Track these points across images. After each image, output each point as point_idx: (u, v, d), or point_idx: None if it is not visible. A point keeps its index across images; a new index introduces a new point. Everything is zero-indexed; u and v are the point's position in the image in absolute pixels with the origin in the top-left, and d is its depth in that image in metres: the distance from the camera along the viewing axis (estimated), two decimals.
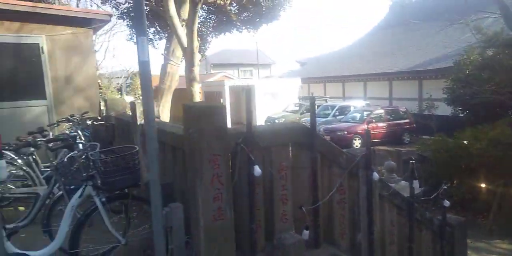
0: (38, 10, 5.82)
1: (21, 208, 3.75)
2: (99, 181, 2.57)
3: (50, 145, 2.94)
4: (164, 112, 9.41)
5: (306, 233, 2.63)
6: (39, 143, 3.25)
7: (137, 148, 2.67)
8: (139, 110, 4.03)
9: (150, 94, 2.41)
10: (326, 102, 18.25)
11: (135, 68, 27.87)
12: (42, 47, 5.89)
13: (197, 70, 8.01)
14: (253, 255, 2.54)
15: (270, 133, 2.76)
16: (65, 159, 2.67)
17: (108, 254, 2.76)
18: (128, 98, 13.62)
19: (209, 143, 2.38)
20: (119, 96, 18.86)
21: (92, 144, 2.80)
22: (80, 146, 3.01)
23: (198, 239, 2.43)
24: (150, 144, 2.38)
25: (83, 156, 2.59)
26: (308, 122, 2.94)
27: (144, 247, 2.80)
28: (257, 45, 32.39)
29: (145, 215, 3.31)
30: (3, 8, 5.34)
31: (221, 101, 17.29)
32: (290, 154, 2.78)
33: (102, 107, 6.67)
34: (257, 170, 2.48)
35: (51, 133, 4.03)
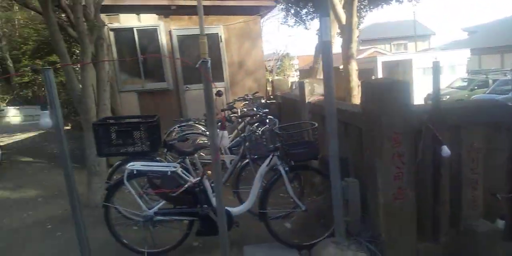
0: (216, 3, 6.69)
1: (209, 172, 4.51)
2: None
3: (240, 119, 3.42)
4: (319, 90, 9.51)
5: (501, 222, 2.36)
6: (232, 118, 3.84)
7: (316, 125, 2.84)
8: (307, 89, 4.26)
9: (331, 73, 2.50)
10: (506, 76, 15.08)
11: (285, 50, 29.15)
12: (220, 36, 6.79)
13: (355, 47, 7.76)
14: (436, 238, 2.44)
15: (460, 111, 2.52)
16: (259, 131, 3.07)
17: (288, 217, 3.08)
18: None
19: (390, 120, 2.34)
20: (271, 77, 20.10)
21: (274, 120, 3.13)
22: (267, 121, 3.42)
23: (376, 216, 2.46)
24: (330, 122, 2.49)
25: (270, 130, 2.93)
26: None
27: (319, 216, 3.01)
28: (414, 14, 29.04)
29: (313, 186, 3.52)
30: (192, 5, 6.32)
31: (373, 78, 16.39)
32: (484, 135, 2.48)
33: (268, 88, 7.27)
34: (446, 150, 2.32)
35: (239, 110, 4.68)
